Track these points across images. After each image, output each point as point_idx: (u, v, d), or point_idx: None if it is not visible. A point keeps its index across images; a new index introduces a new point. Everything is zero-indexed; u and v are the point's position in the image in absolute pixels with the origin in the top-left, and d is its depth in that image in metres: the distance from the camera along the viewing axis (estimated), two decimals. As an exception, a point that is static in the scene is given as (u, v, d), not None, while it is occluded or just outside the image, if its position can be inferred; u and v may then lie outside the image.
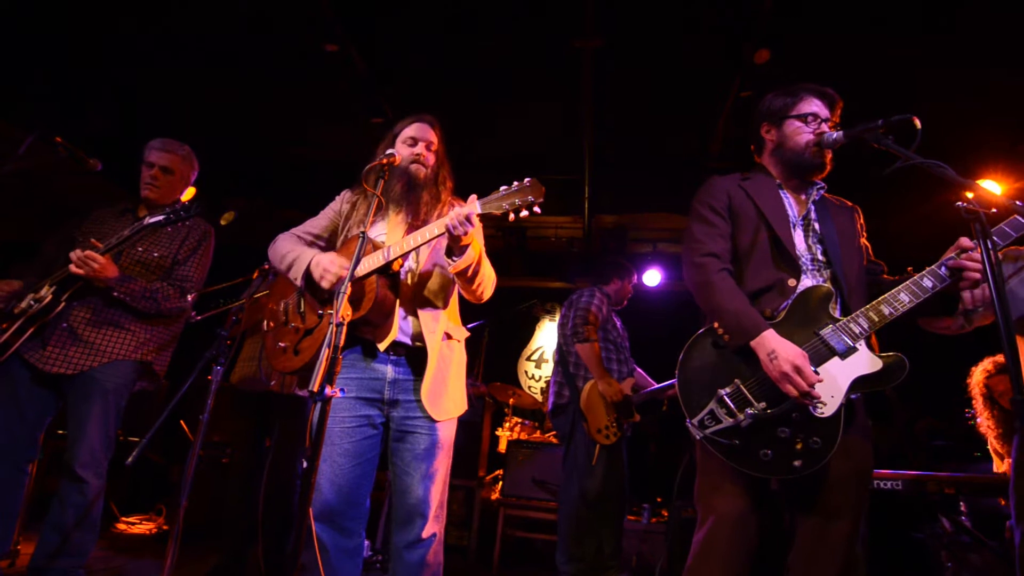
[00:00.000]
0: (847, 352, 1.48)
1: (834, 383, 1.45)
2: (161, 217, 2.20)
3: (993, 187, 3.53)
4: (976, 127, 3.46)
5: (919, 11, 2.79)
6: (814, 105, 1.73)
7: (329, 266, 1.68)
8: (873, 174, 2.64)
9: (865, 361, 1.47)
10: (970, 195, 1.33)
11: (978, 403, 2.97)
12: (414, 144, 1.87)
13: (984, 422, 2.92)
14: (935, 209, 4.05)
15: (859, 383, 1.46)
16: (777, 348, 1.44)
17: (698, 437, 1.50)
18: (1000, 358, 2.91)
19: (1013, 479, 1.85)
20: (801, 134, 1.72)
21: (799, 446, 1.43)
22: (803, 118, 1.72)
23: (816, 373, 1.44)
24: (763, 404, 1.46)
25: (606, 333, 3.17)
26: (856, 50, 3.07)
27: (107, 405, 2.20)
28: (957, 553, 2.56)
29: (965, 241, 1.51)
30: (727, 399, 1.48)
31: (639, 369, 3.38)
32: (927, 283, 1.49)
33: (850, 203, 1.85)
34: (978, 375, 2.98)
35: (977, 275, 1.45)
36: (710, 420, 1.49)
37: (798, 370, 1.41)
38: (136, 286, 2.26)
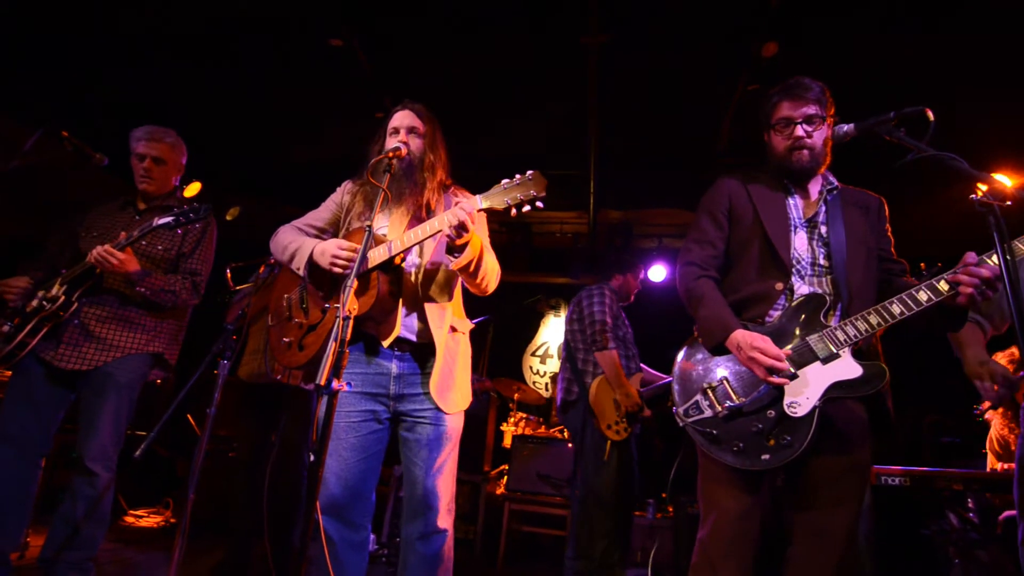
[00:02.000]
0: (828, 358, 1.52)
1: (810, 386, 1.51)
2: (170, 219, 2.20)
3: (1004, 180, 3.49)
4: (985, 122, 3.42)
5: (929, 3, 2.75)
6: (784, 110, 1.70)
7: (338, 251, 1.65)
8: (883, 167, 2.62)
9: (844, 367, 1.51)
10: (984, 188, 1.32)
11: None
12: (396, 133, 1.85)
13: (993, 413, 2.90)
14: (946, 203, 4.01)
15: (836, 388, 1.50)
16: (741, 340, 1.54)
17: (681, 424, 1.61)
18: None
19: (1017, 474, 1.84)
20: (780, 144, 1.72)
21: (771, 442, 1.50)
22: (776, 127, 1.72)
23: (793, 373, 1.50)
24: (742, 399, 1.55)
25: (616, 331, 3.15)
26: (865, 42, 3.03)
27: (120, 400, 2.22)
28: (965, 549, 2.55)
29: (969, 256, 1.48)
30: (711, 392, 1.59)
31: (644, 365, 3.36)
32: (922, 296, 1.47)
33: (874, 195, 1.80)
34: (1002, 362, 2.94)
35: (971, 290, 1.43)
36: (694, 410, 1.60)
37: (760, 350, 1.49)
38: (157, 281, 2.28)
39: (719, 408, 1.56)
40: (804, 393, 1.49)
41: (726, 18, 2.98)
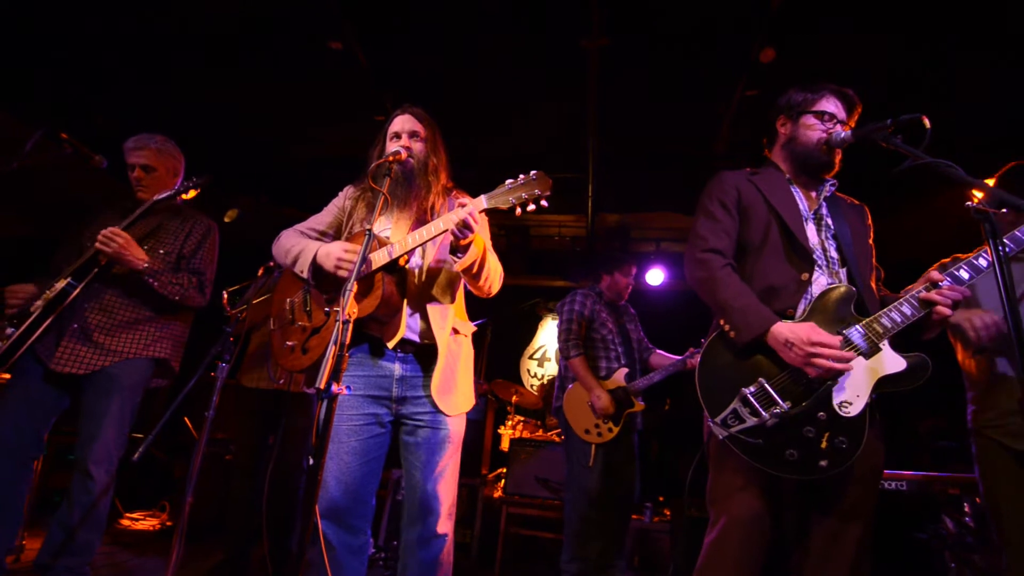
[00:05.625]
0: (871, 351, 1.46)
1: (859, 383, 1.44)
2: (168, 192, 2.26)
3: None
4: (983, 128, 3.45)
5: (927, 10, 2.77)
6: (832, 104, 1.72)
7: (343, 254, 1.67)
8: (880, 174, 2.63)
9: (890, 361, 1.45)
10: (979, 195, 1.33)
11: None
12: (397, 138, 1.86)
13: None
14: (941, 210, 4.04)
15: (883, 382, 1.45)
16: (789, 335, 1.43)
17: (721, 436, 1.47)
18: None
19: (988, 505, 1.86)
20: (814, 130, 1.71)
21: (824, 446, 1.41)
22: (820, 115, 1.71)
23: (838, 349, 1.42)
24: (789, 403, 1.43)
25: (593, 332, 3.20)
26: (863, 50, 3.05)
27: (124, 402, 2.21)
28: (961, 554, 2.56)
29: (934, 274, 1.50)
30: (751, 398, 1.45)
31: (659, 351, 3.35)
32: (906, 310, 1.48)
33: (858, 202, 1.84)
34: None
35: (948, 311, 1.44)
36: (733, 419, 1.45)
37: (819, 344, 1.39)
38: (164, 272, 2.27)
39: (765, 416, 1.41)
40: (855, 391, 1.42)
41: (725, 24, 2.99)
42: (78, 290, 2.17)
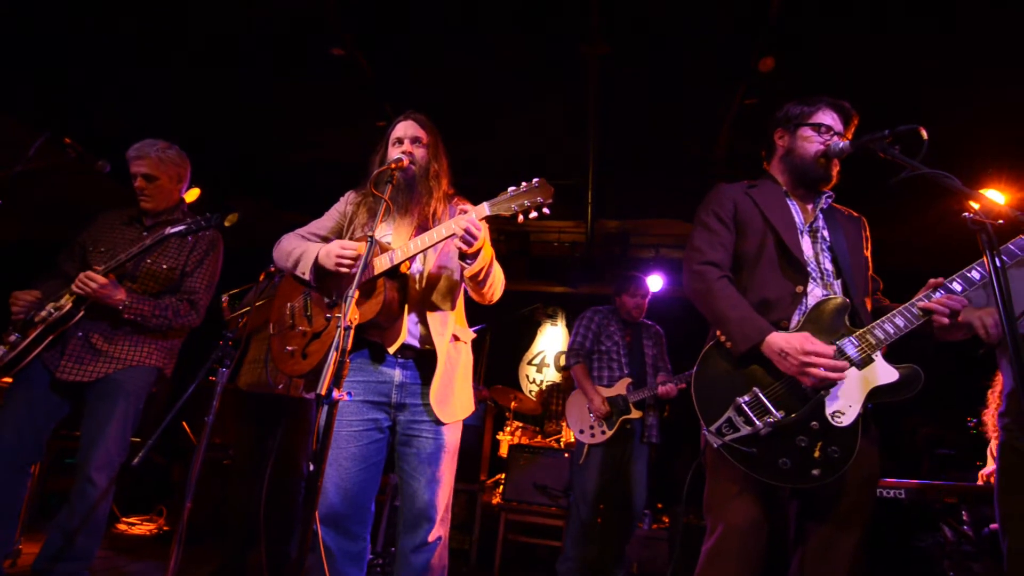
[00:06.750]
0: (864, 362, 1.47)
1: (851, 393, 1.45)
2: (182, 227, 2.19)
3: (996, 197, 3.53)
4: (981, 135, 3.47)
5: (925, 20, 2.80)
6: (829, 117, 1.73)
7: (342, 251, 1.65)
8: (878, 183, 2.65)
9: (881, 371, 1.46)
10: (976, 205, 1.34)
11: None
12: (400, 143, 1.86)
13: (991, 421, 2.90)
14: (939, 218, 4.06)
15: (876, 393, 1.46)
16: (784, 344, 1.45)
17: (716, 445, 1.48)
18: None
19: (998, 490, 1.86)
20: (811, 143, 1.72)
21: (817, 455, 1.42)
22: (816, 128, 1.73)
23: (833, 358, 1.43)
24: (782, 412, 1.45)
25: (600, 344, 3.43)
26: (862, 59, 3.08)
27: (128, 407, 2.21)
28: (959, 562, 2.56)
29: (933, 284, 1.52)
30: (745, 407, 1.47)
31: (664, 375, 3.39)
32: (899, 321, 1.49)
33: (856, 214, 1.85)
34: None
35: (946, 320, 1.45)
36: (728, 428, 1.47)
37: (812, 353, 1.41)
38: (146, 307, 2.25)
39: (758, 424, 1.43)
40: (847, 402, 1.44)
41: (725, 33, 3.02)
42: (81, 312, 2.17)
